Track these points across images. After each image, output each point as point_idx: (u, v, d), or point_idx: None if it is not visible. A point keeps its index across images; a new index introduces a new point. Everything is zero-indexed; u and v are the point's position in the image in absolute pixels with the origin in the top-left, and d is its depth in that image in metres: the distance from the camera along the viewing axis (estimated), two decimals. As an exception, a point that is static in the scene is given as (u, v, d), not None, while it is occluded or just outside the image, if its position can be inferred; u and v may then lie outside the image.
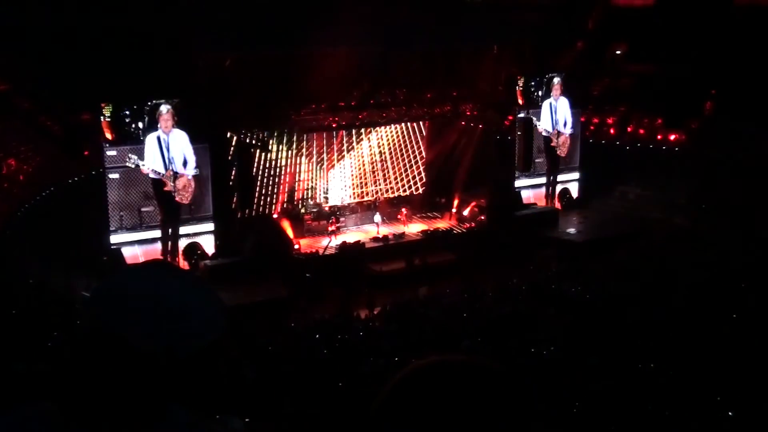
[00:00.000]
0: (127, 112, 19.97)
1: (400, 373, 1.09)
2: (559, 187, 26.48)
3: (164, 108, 20.02)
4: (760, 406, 7.25)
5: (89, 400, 1.23)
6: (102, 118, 19.70)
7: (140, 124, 20.09)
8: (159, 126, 20.02)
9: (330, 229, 23.70)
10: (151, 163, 19.95)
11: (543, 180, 26.45)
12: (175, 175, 20.33)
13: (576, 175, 26.67)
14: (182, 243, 21.05)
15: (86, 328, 1.27)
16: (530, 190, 26.23)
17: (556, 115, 25.74)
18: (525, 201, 25.59)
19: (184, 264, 20.75)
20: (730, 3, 26.56)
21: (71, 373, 1.26)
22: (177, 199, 20.47)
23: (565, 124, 25.96)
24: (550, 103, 25.68)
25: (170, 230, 20.70)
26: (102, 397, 1.22)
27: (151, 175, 20.06)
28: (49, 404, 1.25)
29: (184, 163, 20.51)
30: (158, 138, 20.05)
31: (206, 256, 20.89)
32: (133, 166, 19.70)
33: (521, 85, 25.46)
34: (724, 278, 13.62)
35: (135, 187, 20.34)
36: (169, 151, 20.17)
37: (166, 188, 20.27)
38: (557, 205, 26.13)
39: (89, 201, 19.90)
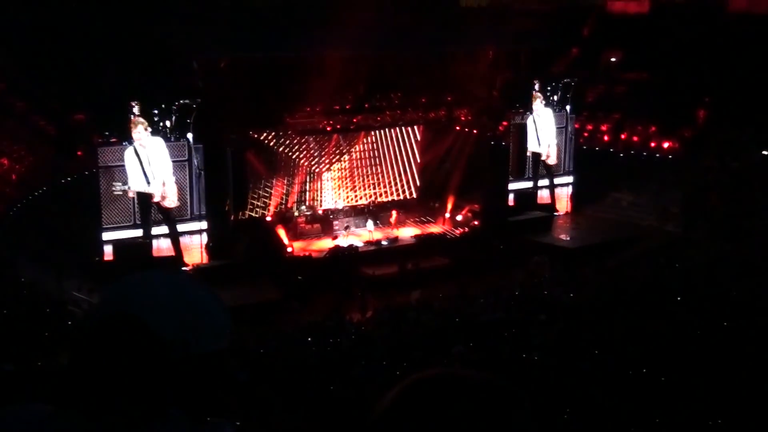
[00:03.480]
0: (156, 111, 19.93)
1: (400, 384, 1.09)
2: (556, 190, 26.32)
3: (137, 119, 19.61)
4: (751, 413, 7.28)
5: (94, 388, 1.23)
6: (131, 116, 19.56)
7: (167, 123, 20.17)
8: (133, 137, 19.60)
9: (337, 228, 23.82)
10: (132, 180, 19.60)
11: (557, 181, 26.30)
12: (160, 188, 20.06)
13: (569, 179, 26.58)
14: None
15: (106, 311, 1.28)
16: (547, 190, 26.19)
17: (538, 131, 25.35)
18: (539, 201, 25.67)
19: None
20: (724, 11, 26.72)
21: (81, 357, 1.26)
22: (165, 206, 20.21)
23: (548, 139, 25.56)
24: (534, 120, 25.28)
25: (152, 230, 20.37)
26: (108, 385, 1.22)
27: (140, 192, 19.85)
28: (40, 405, 1.25)
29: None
30: (136, 152, 19.64)
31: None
32: (119, 192, 19.54)
33: (537, 88, 25.19)
34: (716, 286, 13.66)
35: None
36: (149, 164, 19.81)
37: (153, 200, 20.03)
38: (568, 206, 26.13)
39: (82, 201, 19.83)
